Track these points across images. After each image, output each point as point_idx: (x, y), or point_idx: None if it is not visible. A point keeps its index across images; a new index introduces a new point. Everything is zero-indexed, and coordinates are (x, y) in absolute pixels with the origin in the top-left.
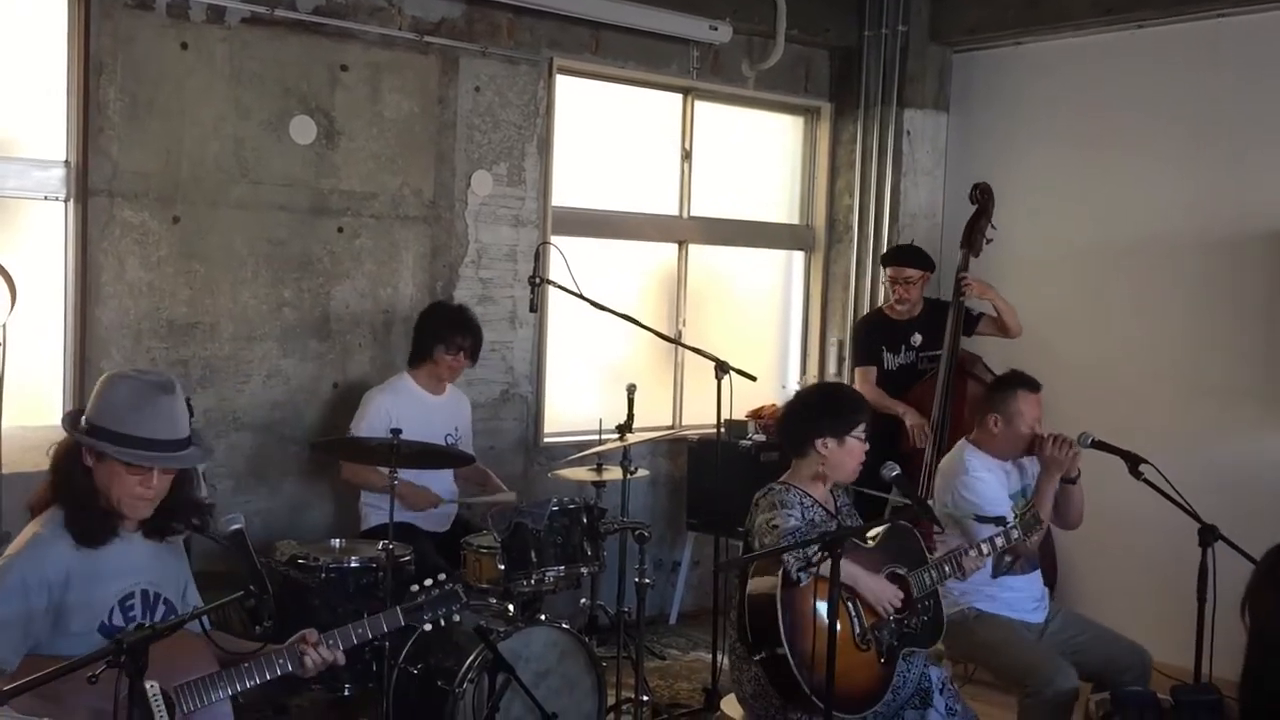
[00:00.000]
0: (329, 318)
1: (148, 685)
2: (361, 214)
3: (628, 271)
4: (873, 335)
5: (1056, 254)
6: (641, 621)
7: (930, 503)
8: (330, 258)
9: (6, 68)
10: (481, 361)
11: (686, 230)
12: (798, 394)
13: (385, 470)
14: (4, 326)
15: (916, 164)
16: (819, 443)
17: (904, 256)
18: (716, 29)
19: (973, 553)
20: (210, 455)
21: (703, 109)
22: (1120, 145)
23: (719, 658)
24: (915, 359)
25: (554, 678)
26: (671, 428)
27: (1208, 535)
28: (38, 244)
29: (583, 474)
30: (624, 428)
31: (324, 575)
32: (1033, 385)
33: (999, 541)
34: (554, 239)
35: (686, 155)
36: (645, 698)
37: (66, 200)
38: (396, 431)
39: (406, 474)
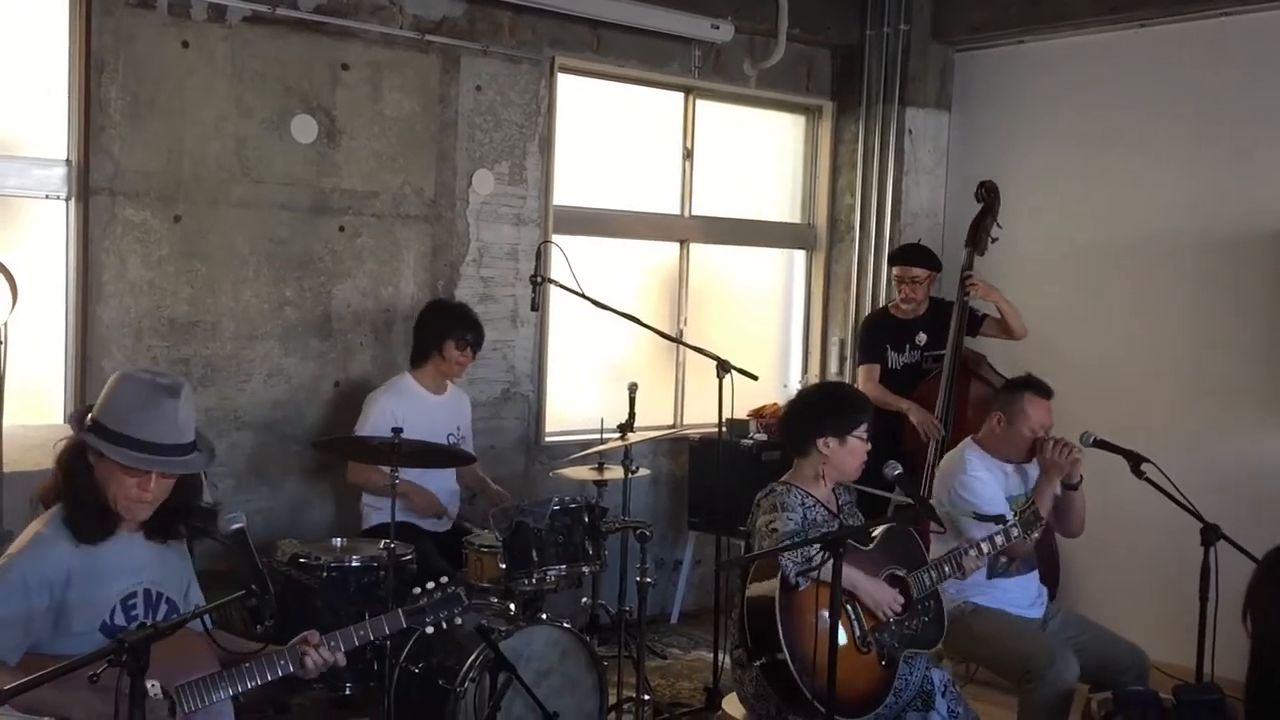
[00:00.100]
0: (330, 317)
1: (149, 685)
2: (363, 213)
3: (629, 270)
4: (877, 333)
5: (1058, 253)
6: (643, 621)
7: (932, 502)
8: (331, 257)
9: (8, 66)
10: (483, 360)
11: (688, 229)
12: (800, 393)
13: (387, 470)
14: (5, 325)
15: (918, 163)
16: (821, 442)
17: (911, 256)
18: (718, 28)
19: (972, 552)
20: (211, 463)
21: (704, 108)
22: (1122, 144)
23: (720, 657)
24: (920, 358)
25: (555, 677)
26: (673, 427)
27: (1210, 534)
28: (39, 243)
29: (584, 473)
30: (625, 427)
31: (325, 574)
32: (1042, 390)
33: (998, 540)
34: (555, 238)
35: (688, 154)
36: (646, 697)
37: (68, 199)
38: (398, 430)
39: (409, 475)
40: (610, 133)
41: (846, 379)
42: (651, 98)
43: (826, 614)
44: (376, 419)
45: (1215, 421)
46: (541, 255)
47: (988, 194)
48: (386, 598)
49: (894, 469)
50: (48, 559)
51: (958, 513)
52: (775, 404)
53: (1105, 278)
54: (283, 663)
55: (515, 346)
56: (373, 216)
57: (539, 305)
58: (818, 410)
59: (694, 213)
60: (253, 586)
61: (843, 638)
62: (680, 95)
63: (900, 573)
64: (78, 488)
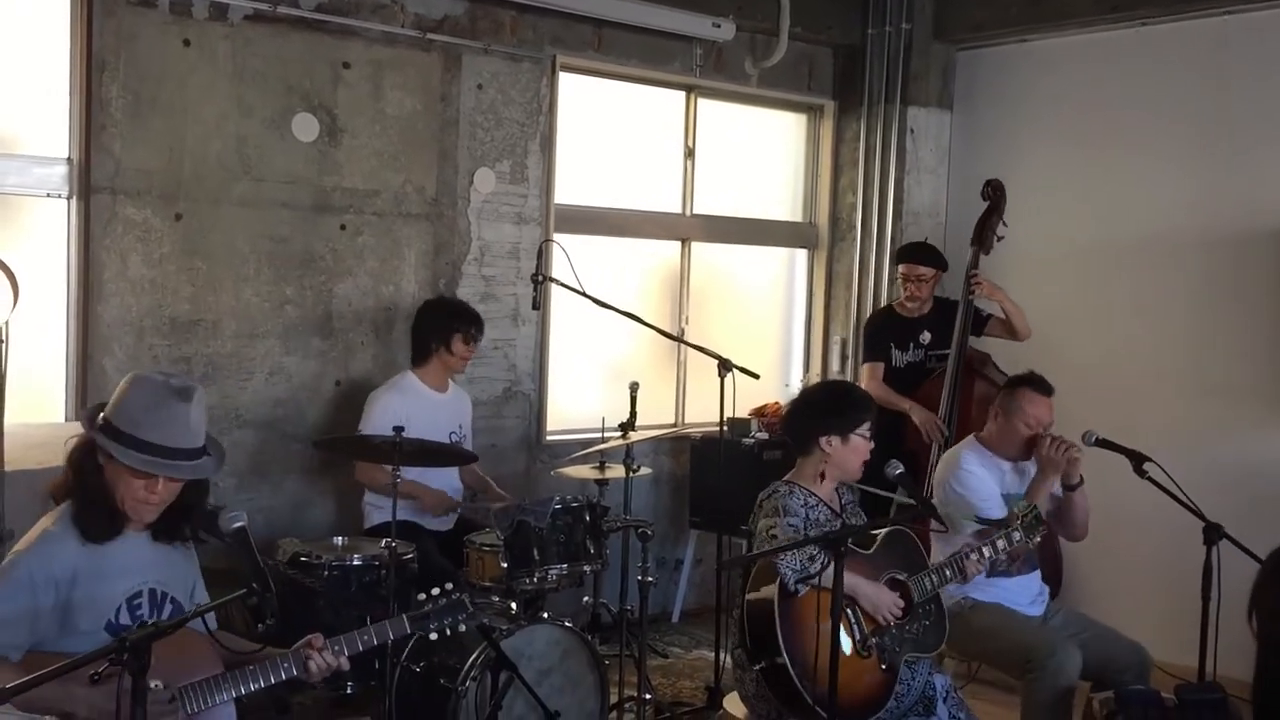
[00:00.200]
0: (331, 315)
1: (153, 684)
2: (364, 211)
3: (630, 269)
4: (882, 332)
5: (1060, 252)
6: (644, 619)
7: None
8: (333, 255)
9: (9, 65)
10: (484, 359)
11: (689, 228)
12: (803, 391)
13: (389, 468)
14: (6, 324)
15: (920, 162)
16: (823, 440)
17: (917, 254)
18: (719, 26)
19: (974, 556)
20: (220, 468)
21: (706, 106)
22: (1124, 143)
23: (721, 656)
24: (924, 357)
25: (556, 676)
26: (674, 426)
27: (1212, 534)
28: (40, 241)
29: (585, 472)
30: (627, 425)
31: (326, 573)
32: (1040, 386)
33: (1000, 544)
34: (557, 236)
35: (689, 153)
36: (648, 696)
37: (69, 197)
38: (399, 429)
39: (410, 473)
40: (612, 131)
41: (848, 378)
42: (653, 96)
43: (827, 618)
44: (380, 417)
45: (1216, 420)
46: (543, 254)
47: (994, 192)
48: (388, 596)
49: (895, 468)
50: (55, 556)
51: (955, 513)
52: (777, 403)
53: (1106, 277)
54: (286, 666)
55: (516, 345)
56: (374, 215)
57: (540, 304)
58: (821, 408)
59: (695, 211)
60: (254, 585)
61: (843, 641)
62: (682, 94)
63: (901, 576)
64: (87, 487)
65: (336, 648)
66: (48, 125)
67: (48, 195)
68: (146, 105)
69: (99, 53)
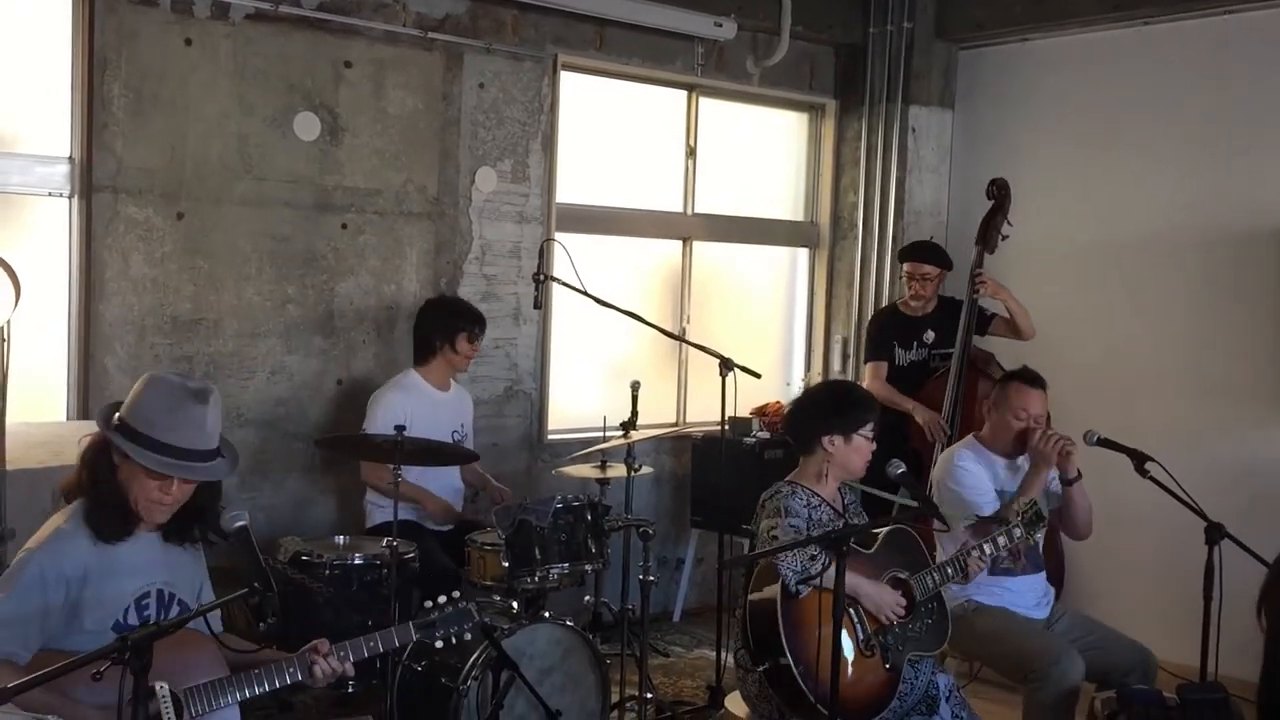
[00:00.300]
0: (333, 314)
1: (157, 687)
2: (365, 210)
3: (632, 268)
4: (886, 330)
5: (1061, 251)
6: (645, 619)
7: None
8: (334, 254)
9: (11, 64)
10: (485, 358)
11: (691, 227)
12: (806, 391)
13: (390, 468)
14: (8, 323)
15: (921, 161)
16: (826, 440)
17: (922, 253)
18: (721, 25)
19: (975, 553)
20: (235, 470)
21: (707, 105)
22: (1125, 142)
23: (723, 655)
24: (928, 356)
25: (558, 675)
26: (675, 425)
27: (1214, 533)
28: (42, 240)
29: (587, 471)
30: (628, 425)
31: (328, 572)
32: (1030, 379)
33: (1001, 541)
34: (558, 235)
35: (691, 152)
36: (649, 695)
37: (71, 196)
38: (400, 428)
39: (412, 472)
40: (613, 130)
41: (849, 377)
42: (654, 95)
43: (830, 618)
44: (385, 415)
45: (1217, 420)
46: (544, 253)
47: (999, 191)
48: (389, 595)
49: (897, 467)
50: (66, 555)
51: (951, 510)
52: (778, 402)
53: (1108, 276)
54: (292, 670)
55: (518, 344)
56: (375, 214)
57: (541, 303)
58: (823, 408)
59: (697, 210)
60: (255, 584)
61: (846, 641)
62: (683, 93)
63: (903, 575)
64: (100, 486)
65: (342, 654)
66: (49, 124)
67: (49, 194)
68: (148, 104)
69: (100, 51)
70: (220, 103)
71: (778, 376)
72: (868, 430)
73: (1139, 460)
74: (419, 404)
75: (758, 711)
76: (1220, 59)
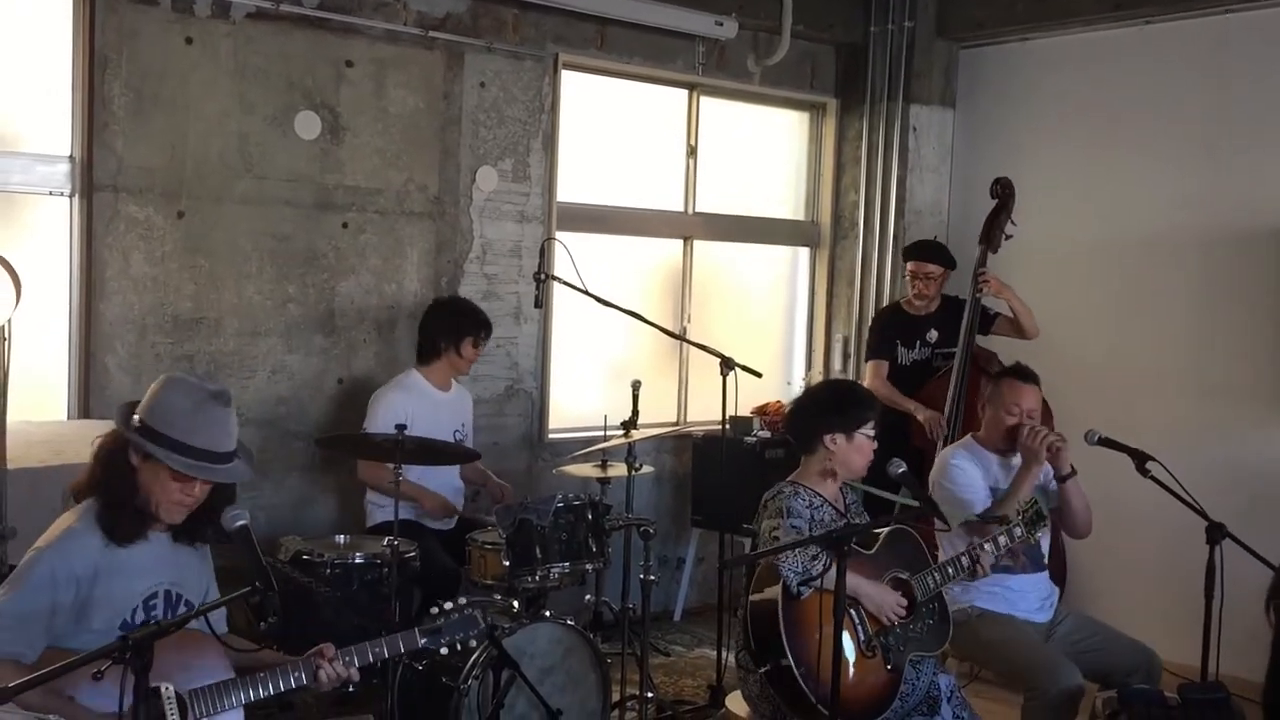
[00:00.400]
0: (334, 313)
1: (162, 688)
2: (366, 209)
3: (633, 267)
4: (888, 329)
5: (1062, 251)
6: (646, 618)
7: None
8: (335, 253)
9: (11, 63)
10: (486, 357)
11: (692, 226)
12: (807, 390)
13: (391, 467)
14: (9, 322)
15: (922, 160)
16: (827, 439)
17: (926, 252)
18: (722, 25)
19: (988, 547)
20: (252, 471)
21: (708, 105)
22: (1127, 142)
23: (724, 654)
24: (930, 355)
25: (558, 674)
26: (676, 424)
27: (1215, 533)
28: (42, 239)
29: (587, 470)
30: (629, 424)
31: (329, 571)
32: (1023, 374)
33: (1002, 540)
34: (559, 235)
35: (692, 151)
36: (650, 694)
37: (71, 195)
38: (401, 427)
39: (413, 472)
40: (614, 129)
41: (850, 377)
42: (655, 94)
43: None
44: (386, 415)
45: (1220, 420)
46: (545, 252)
47: (1003, 190)
48: (390, 595)
49: (898, 467)
50: (76, 554)
51: (947, 510)
52: (779, 401)
53: (1108, 275)
54: (297, 675)
55: (519, 343)
56: (376, 213)
57: (542, 302)
58: (825, 407)
59: (698, 209)
60: (256, 584)
61: (847, 642)
62: (684, 92)
63: (904, 575)
64: (115, 487)
65: (347, 658)
66: (50, 123)
67: (50, 193)
68: (149, 103)
69: (101, 50)
70: (221, 102)
71: (778, 376)
72: (869, 429)
73: (1140, 460)
74: (420, 403)
75: (759, 712)
76: (1221, 58)
